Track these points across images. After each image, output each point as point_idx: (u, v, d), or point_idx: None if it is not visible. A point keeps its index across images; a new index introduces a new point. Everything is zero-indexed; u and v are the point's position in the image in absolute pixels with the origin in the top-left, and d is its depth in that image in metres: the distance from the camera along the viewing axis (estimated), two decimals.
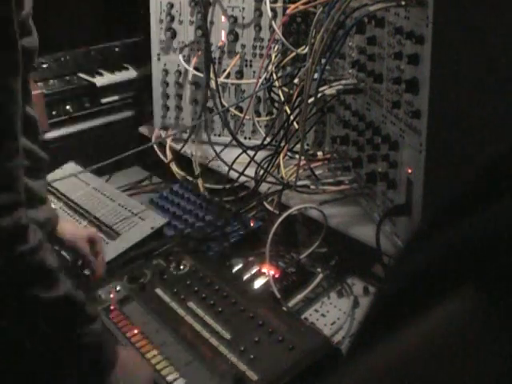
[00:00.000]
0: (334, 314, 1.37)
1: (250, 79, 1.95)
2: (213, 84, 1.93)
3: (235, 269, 1.49)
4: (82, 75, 2.18)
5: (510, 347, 0.24)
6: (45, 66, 2.13)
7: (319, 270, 1.48)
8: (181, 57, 2.00)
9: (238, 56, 1.96)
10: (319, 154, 1.76)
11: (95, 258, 1.41)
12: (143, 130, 2.21)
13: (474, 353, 0.24)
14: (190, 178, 1.97)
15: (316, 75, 1.47)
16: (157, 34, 2.03)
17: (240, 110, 1.97)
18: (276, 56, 1.85)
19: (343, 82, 1.58)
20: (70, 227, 1.42)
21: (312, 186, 1.60)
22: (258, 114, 1.98)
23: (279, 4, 1.85)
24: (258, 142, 1.86)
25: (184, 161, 2.03)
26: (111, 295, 1.37)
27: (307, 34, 1.66)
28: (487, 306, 0.25)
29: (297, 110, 1.68)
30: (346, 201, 1.61)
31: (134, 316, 1.31)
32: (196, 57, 1.98)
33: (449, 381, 0.24)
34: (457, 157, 1.17)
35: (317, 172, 1.67)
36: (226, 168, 1.84)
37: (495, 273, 0.25)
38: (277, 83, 1.84)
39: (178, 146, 2.02)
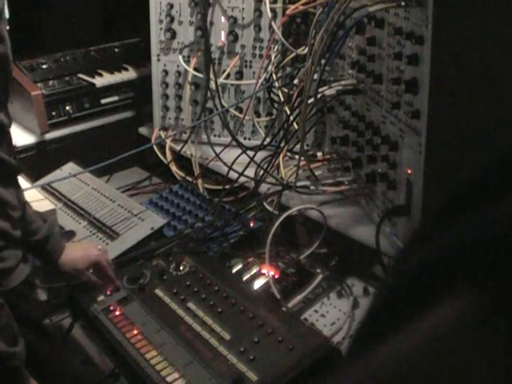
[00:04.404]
0: (333, 315, 1.37)
1: (250, 80, 1.95)
2: (212, 84, 1.93)
3: (235, 269, 1.49)
4: (81, 76, 2.18)
5: (510, 348, 0.24)
6: (44, 66, 2.13)
7: (319, 270, 1.48)
8: (180, 57, 2.00)
9: (237, 56, 1.96)
10: (319, 154, 1.76)
11: (99, 279, 1.36)
12: (143, 130, 2.21)
13: (474, 354, 0.24)
14: (189, 179, 1.97)
15: (316, 76, 1.47)
16: (156, 34, 2.03)
17: (240, 110, 1.97)
18: (276, 56, 1.85)
19: (343, 82, 1.58)
20: (73, 256, 1.32)
21: (312, 187, 1.60)
22: (258, 115, 1.98)
23: (279, 4, 1.85)
24: (258, 143, 1.86)
25: (184, 161, 2.03)
26: (111, 295, 1.37)
27: (307, 34, 1.66)
28: (488, 306, 0.25)
29: (296, 111, 1.68)
30: (345, 201, 1.61)
31: (133, 316, 1.31)
32: (196, 57, 1.98)
33: (449, 382, 0.24)
34: (457, 157, 1.17)
35: (316, 173, 1.67)
36: (226, 168, 1.84)
37: (496, 273, 0.25)
38: (276, 84, 1.85)
39: (177, 147, 2.02)
